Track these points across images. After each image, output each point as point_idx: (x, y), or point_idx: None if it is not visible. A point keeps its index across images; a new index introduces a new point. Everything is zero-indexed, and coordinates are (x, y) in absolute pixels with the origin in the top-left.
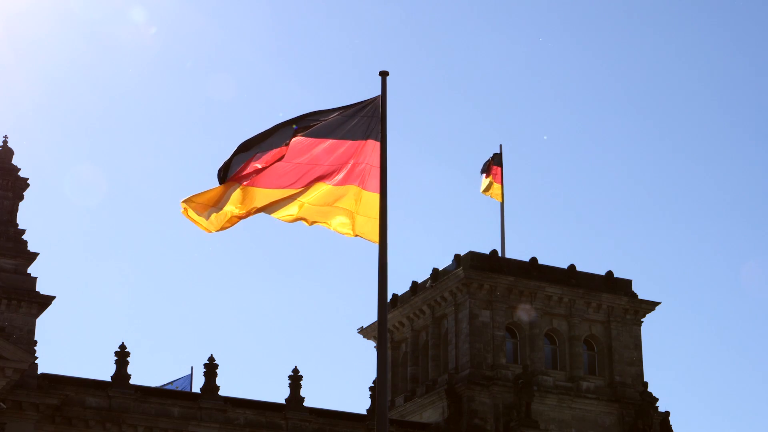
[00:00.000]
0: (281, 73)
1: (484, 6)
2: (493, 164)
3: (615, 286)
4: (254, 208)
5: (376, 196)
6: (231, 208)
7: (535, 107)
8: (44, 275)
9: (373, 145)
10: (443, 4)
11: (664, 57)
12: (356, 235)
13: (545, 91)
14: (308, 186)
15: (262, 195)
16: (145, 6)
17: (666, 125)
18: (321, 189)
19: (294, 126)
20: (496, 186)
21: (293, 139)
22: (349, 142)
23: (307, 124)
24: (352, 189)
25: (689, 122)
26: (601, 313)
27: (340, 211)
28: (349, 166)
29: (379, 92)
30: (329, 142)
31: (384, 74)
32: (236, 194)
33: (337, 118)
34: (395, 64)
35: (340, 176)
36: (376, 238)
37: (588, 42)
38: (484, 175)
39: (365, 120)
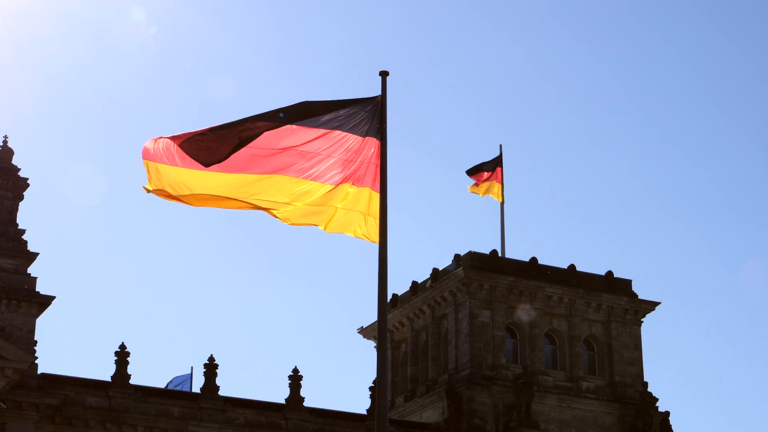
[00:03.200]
0: (281, 73)
1: (485, 6)
2: (488, 170)
3: (615, 286)
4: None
5: (377, 195)
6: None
7: (535, 107)
8: (44, 275)
9: (372, 143)
10: (443, 4)
11: (664, 57)
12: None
13: (545, 91)
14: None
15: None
16: (145, 6)
17: (666, 125)
18: (320, 189)
19: (281, 114)
20: (497, 186)
21: (280, 128)
22: (355, 137)
23: (299, 116)
24: (365, 190)
25: (690, 122)
26: (601, 313)
27: (354, 213)
28: (355, 164)
29: (379, 92)
30: (328, 132)
31: (384, 74)
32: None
33: (335, 112)
34: (395, 64)
35: (343, 175)
36: (376, 237)
37: (588, 42)
38: (481, 178)
39: (368, 116)
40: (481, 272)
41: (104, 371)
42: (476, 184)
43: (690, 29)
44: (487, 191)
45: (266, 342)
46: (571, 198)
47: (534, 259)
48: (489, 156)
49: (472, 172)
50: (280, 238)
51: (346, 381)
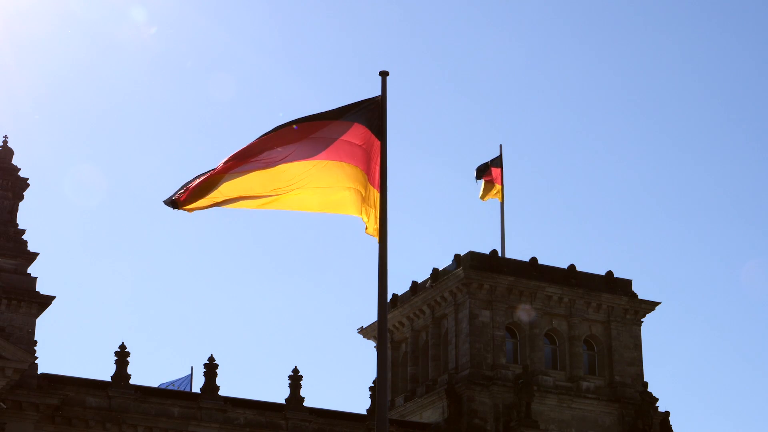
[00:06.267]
0: (281, 73)
1: (485, 6)
2: (492, 166)
3: (615, 286)
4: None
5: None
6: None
7: (535, 107)
8: (44, 275)
9: (362, 129)
10: (443, 4)
11: (664, 57)
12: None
13: (546, 91)
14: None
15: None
16: (145, 6)
17: (666, 125)
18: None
19: (294, 126)
20: (497, 186)
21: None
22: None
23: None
24: (360, 172)
25: (690, 122)
26: (601, 313)
27: (352, 192)
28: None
29: (379, 92)
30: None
31: (384, 74)
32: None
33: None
34: (395, 64)
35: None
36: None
37: (588, 42)
38: (483, 180)
39: (362, 110)
40: (481, 272)
41: (104, 371)
42: (485, 186)
43: (690, 29)
44: (492, 191)
45: (266, 342)
46: (571, 198)
47: (534, 259)
48: (489, 156)
49: (479, 175)
50: (280, 237)
51: (346, 381)
